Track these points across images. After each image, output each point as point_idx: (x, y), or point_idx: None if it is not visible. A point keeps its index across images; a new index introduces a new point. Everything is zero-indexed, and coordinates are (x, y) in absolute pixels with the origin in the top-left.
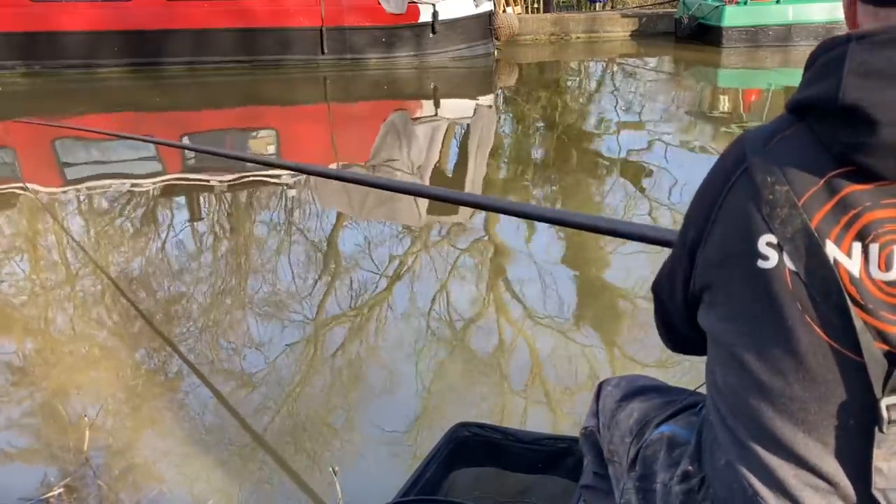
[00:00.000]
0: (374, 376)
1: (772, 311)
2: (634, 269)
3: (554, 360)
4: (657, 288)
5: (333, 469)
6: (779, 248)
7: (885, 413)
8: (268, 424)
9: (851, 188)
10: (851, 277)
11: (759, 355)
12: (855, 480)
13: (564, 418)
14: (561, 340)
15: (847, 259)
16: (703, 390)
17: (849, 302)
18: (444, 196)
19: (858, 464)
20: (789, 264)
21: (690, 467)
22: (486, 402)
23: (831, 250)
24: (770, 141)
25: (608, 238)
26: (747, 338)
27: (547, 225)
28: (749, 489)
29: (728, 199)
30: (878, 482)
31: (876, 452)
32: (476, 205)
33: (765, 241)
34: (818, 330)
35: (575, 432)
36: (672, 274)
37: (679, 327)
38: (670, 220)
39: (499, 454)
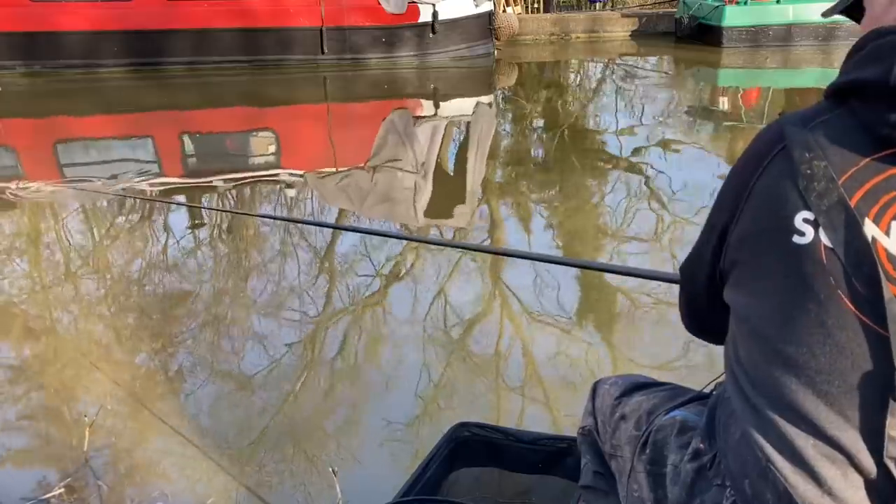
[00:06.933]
0: (374, 376)
1: (804, 286)
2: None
3: (554, 360)
4: (683, 271)
5: (333, 469)
6: (815, 224)
7: None
8: (267, 425)
9: (894, 170)
10: (889, 255)
11: (786, 330)
12: (873, 452)
13: (565, 418)
14: (561, 340)
15: (885, 237)
16: (705, 391)
17: (881, 274)
18: (463, 246)
19: (876, 435)
20: (824, 240)
21: (701, 445)
22: (486, 401)
23: (869, 228)
24: (809, 122)
25: (608, 240)
26: (775, 313)
27: (546, 226)
28: (763, 457)
29: (763, 177)
30: (890, 450)
31: (890, 421)
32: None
33: (801, 218)
34: (849, 304)
35: (575, 432)
36: (698, 257)
37: (702, 309)
38: (669, 219)
39: (499, 454)
